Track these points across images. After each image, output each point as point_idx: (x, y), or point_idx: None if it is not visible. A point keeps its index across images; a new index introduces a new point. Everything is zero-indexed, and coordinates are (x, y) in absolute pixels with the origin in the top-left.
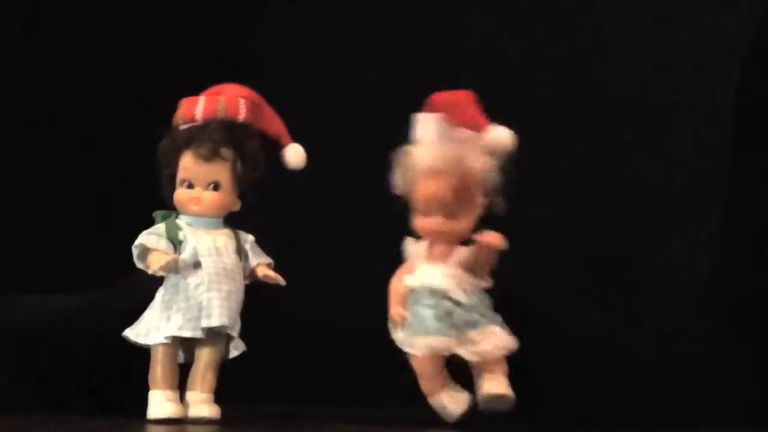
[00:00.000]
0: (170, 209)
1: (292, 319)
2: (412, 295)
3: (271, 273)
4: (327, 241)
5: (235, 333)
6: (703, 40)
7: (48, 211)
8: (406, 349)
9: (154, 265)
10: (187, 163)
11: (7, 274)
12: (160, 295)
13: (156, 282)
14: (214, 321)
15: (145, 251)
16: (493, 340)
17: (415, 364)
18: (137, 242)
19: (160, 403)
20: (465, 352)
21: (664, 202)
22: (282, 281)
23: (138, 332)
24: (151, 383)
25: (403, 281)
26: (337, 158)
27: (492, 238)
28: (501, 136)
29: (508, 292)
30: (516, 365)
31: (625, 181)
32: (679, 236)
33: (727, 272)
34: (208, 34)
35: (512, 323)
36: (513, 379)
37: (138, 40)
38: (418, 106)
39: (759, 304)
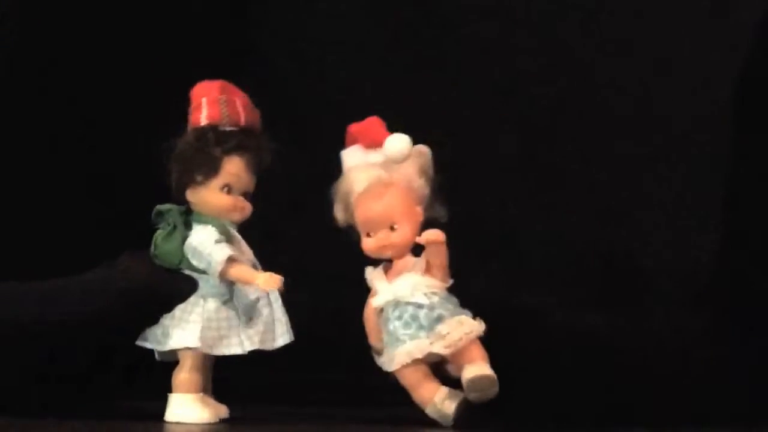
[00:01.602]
0: (175, 205)
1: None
2: (381, 316)
3: None
4: (327, 241)
5: None
6: (703, 40)
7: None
8: (390, 368)
9: (269, 284)
10: (236, 169)
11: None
12: (212, 305)
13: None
14: (286, 338)
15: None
16: (460, 328)
17: (403, 379)
18: (225, 255)
19: (192, 408)
20: (438, 348)
21: (664, 203)
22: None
23: (210, 345)
24: (182, 388)
25: (371, 306)
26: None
27: (431, 235)
28: (392, 143)
29: (505, 295)
30: (514, 367)
31: (624, 181)
32: (679, 237)
33: (727, 272)
34: (207, 30)
35: (510, 326)
36: (510, 381)
37: (137, 35)
38: (418, 107)
39: (759, 304)
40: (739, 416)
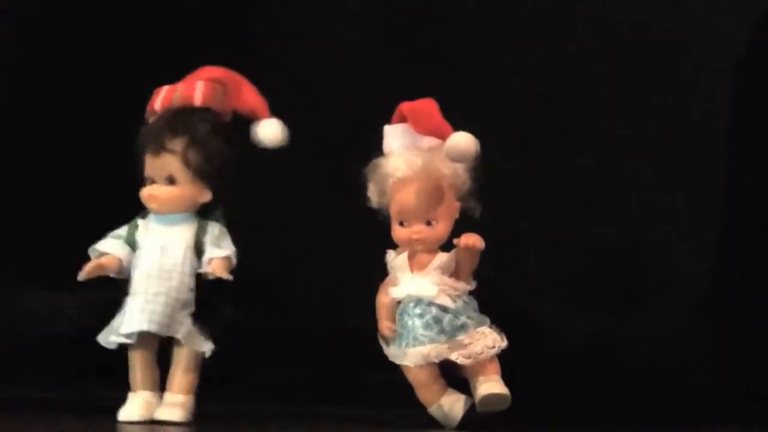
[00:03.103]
0: None
1: (291, 320)
2: (399, 307)
3: (211, 269)
4: (327, 242)
5: (178, 335)
6: (702, 39)
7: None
8: (399, 362)
9: (81, 276)
10: (146, 159)
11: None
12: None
13: None
14: (132, 326)
15: (101, 255)
16: (483, 341)
17: (410, 376)
18: (94, 246)
19: (127, 405)
20: (457, 357)
21: (662, 203)
22: (225, 276)
23: (103, 334)
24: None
25: (388, 294)
26: (341, 158)
27: (471, 240)
28: (458, 140)
29: (501, 297)
30: (513, 368)
31: (622, 181)
32: (678, 237)
33: (727, 273)
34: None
35: (508, 328)
36: (508, 382)
37: (139, 33)
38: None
39: (758, 304)
40: (738, 416)
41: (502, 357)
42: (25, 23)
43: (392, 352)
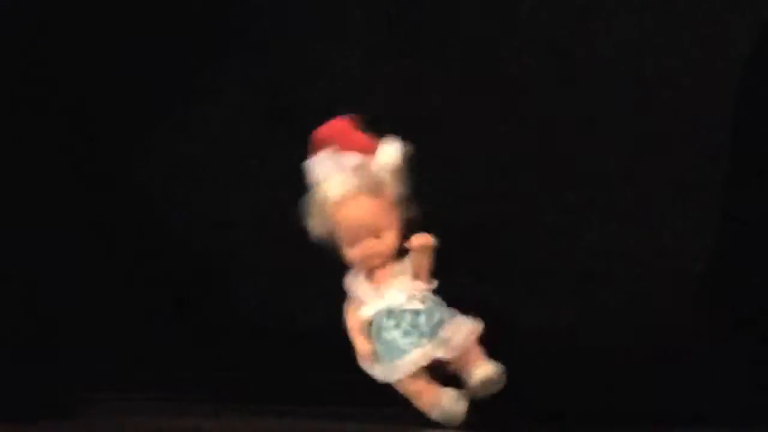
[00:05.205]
0: None
1: (288, 320)
2: (373, 326)
3: None
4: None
5: None
6: (702, 38)
7: None
8: (389, 379)
9: None
10: None
11: None
12: None
13: None
14: None
15: None
16: (463, 330)
17: (405, 388)
18: None
19: None
20: (442, 353)
21: (662, 200)
22: None
23: None
24: None
25: (357, 317)
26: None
27: (422, 240)
28: (385, 154)
29: (498, 297)
30: (511, 367)
31: (621, 178)
32: (678, 235)
33: (727, 271)
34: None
35: (504, 327)
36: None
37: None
38: (399, 103)
39: (758, 303)
40: (738, 416)
41: (501, 356)
42: None
43: (380, 372)
